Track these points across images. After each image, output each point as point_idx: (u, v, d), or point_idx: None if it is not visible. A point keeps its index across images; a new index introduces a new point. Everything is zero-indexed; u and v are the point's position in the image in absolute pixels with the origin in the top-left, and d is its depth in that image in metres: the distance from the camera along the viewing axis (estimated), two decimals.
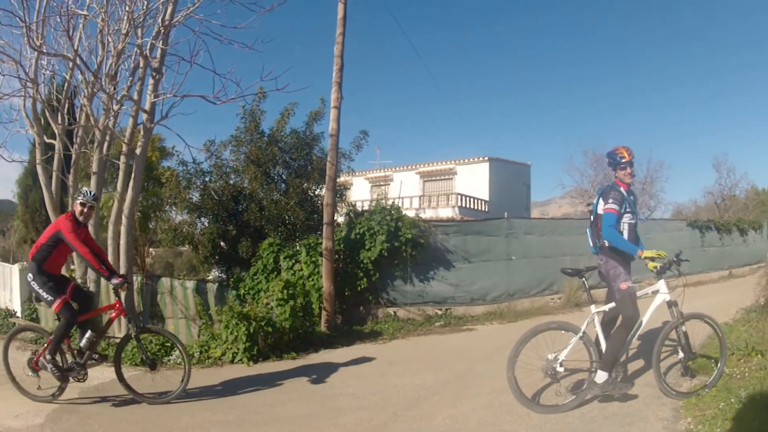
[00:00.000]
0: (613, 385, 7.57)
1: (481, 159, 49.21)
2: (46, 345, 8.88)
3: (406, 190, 46.07)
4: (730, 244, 30.31)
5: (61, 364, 8.91)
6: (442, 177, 51.02)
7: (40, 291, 8.77)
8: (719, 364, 8.20)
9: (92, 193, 9.33)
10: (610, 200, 7.99)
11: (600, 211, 8.15)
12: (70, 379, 9.03)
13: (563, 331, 7.87)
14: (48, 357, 8.72)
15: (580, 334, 7.68)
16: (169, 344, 12.33)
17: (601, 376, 7.54)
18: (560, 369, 7.70)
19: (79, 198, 9.16)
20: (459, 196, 45.32)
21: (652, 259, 7.75)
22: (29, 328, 11.58)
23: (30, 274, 8.90)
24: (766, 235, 35.35)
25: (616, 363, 7.70)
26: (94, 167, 14.71)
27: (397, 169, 53.55)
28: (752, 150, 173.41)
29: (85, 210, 9.10)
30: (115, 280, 8.75)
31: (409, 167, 52.90)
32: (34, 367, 8.95)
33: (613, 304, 7.96)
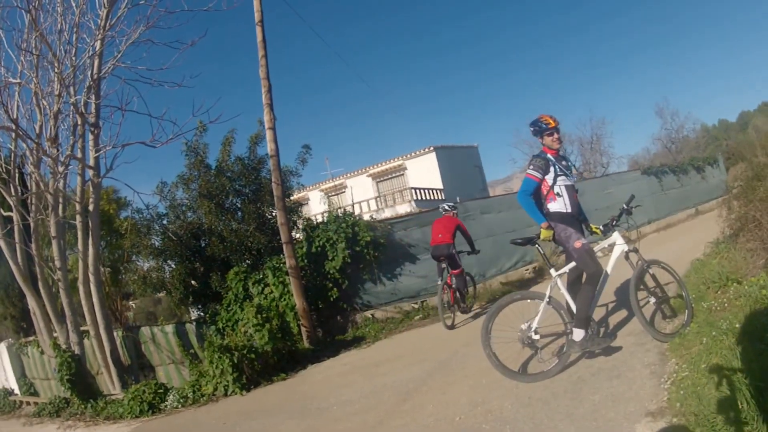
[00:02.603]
0: (591, 341, 7.68)
1: (427, 150, 49.05)
2: (459, 294, 14.44)
3: (361, 194, 46.35)
4: (689, 184, 31.11)
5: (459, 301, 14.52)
6: (394, 174, 50.99)
7: (457, 256, 14.21)
8: (686, 303, 8.35)
9: (451, 204, 15.55)
10: (531, 167, 8.18)
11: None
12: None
13: (529, 300, 8.06)
14: (460, 298, 14.48)
15: (546, 299, 7.82)
16: (162, 390, 12.76)
17: (578, 334, 7.65)
18: (536, 337, 7.83)
19: (453, 211, 15.04)
20: (413, 190, 45.23)
21: (548, 238, 7.98)
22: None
23: (453, 249, 14.04)
24: (724, 167, 36.00)
25: (589, 319, 7.80)
26: (53, 231, 14.86)
27: (349, 175, 53.40)
28: (693, 89, 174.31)
29: (454, 213, 14.98)
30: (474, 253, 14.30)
31: (360, 171, 52.84)
32: (452, 302, 14.21)
33: (573, 264, 8.10)
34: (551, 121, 8.24)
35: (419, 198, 44.63)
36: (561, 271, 8.10)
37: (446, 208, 15.14)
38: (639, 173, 28.76)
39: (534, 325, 7.76)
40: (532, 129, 8.53)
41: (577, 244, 7.80)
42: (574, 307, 7.84)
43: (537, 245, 8.24)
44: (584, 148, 54.28)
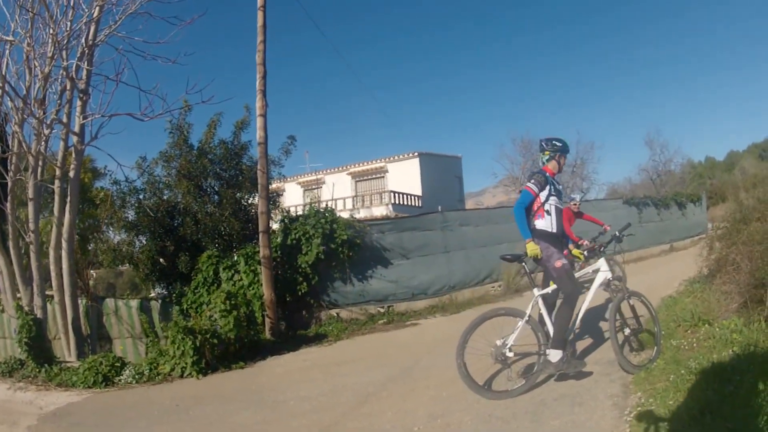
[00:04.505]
0: (567, 363, 7.73)
1: (410, 155, 48.88)
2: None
3: (338, 191, 46.21)
4: (668, 219, 31.14)
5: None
6: (374, 176, 50.83)
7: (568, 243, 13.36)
8: (656, 339, 8.44)
9: (570, 197, 15.78)
10: (532, 181, 8.28)
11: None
12: None
13: (510, 317, 8.03)
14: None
15: (526, 318, 7.80)
16: (118, 364, 12.74)
17: (554, 355, 7.67)
18: (510, 354, 7.83)
19: (572, 203, 15.39)
20: (392, 194, 45.04)
21: (536, 255, 7.95)
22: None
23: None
24: (705, 206, 36.08)
25: (567, 341, 7.86)
26: (30, 193, 14.80)
27: (329, 171, 53.21)
28: (684, 124, 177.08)
29: (576, 206, 15.44)
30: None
31: (341, 169, 52.57)
32: None
33: (555, 286, 8.11)
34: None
35: (397, 202, 44.55)
36: (543, 291, 8.12)
37: (566, 201, 15.79)
38: (620, 202, 28.93)
39: (509, 343, 7.77)
40: (558, 145, 8.63)
41: (557, 264, 7.88)
42: (550, 328, 7.88)
43: (523, 263, 8.26)
44: (564, 170, 54.15)
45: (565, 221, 13.55)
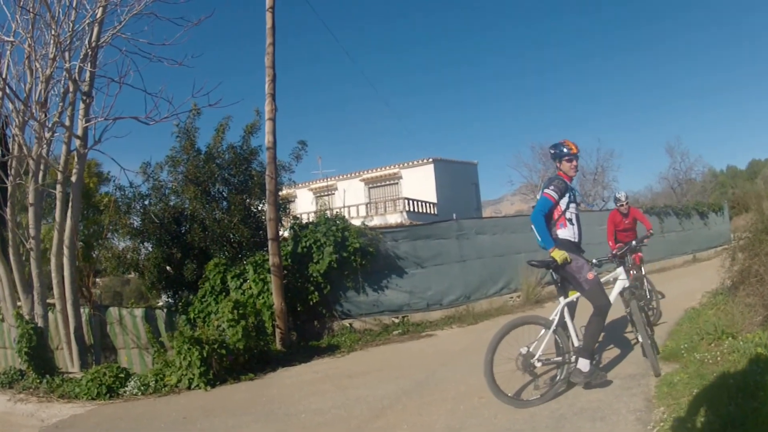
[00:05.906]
0: (596, 373, 7.78)
1: (425, 161, 48.86)
2: None
3: (351, 198, 45.76)
4: (690, 228, 31.21)
5: None
6: (388, 182, 50.82)
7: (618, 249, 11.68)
8: (645, 349, 8.45)
9: (625, 195, 14.54)
10: (551, 187, 8.12)
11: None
12: None
13: (536, 325, 8.03)
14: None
15: (553, 327, 7.82)
16: (123, 375, 12.60)
17: (584, 365, 7.69)
18: (538, 364, 7.79)
19: (618, 204, 14.27)
20: (406, 201, 44.96)
21: (566, 260, 7.83)
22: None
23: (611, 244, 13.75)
24: (728, 216, 36.11)
25: (594, 351, 7.89)
26: (31, 198, 14.73)
27: (341, 177, 53.00)
28: (706, 133, 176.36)
29: (624, 206, 14.15)
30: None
31: (353, 175, 52.48)
32: None
33: (578, 294, 8.09)
34: (573, 148, 8.32)
35: (411, 209, 44.49)
36: (569, 299, 8.10)
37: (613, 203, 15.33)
38: (641, 211, 28.52)
39: (537, 352, 7.77)
40: (552, 152, 8.56)
41: (590, 276, 7.86)
42: (573, 337, 7.93)
43: (552, 269, 8.20)
44: (585, 179, 54.05)
45: (610, 225, 13.44)
